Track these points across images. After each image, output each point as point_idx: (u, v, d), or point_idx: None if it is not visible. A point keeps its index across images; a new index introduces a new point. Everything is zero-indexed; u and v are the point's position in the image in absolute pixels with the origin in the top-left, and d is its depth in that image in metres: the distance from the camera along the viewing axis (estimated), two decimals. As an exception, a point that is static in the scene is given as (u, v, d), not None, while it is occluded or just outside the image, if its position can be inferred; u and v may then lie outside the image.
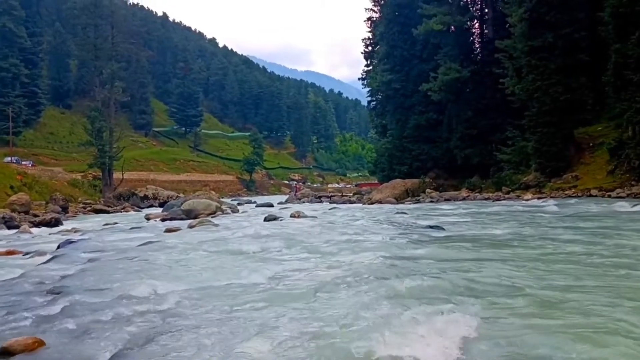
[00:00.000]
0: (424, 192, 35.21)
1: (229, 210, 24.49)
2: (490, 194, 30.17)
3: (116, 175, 56.92)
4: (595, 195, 23.28)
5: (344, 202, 38.27)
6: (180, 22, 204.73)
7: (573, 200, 21.48)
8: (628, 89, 22.99)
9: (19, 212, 22.23)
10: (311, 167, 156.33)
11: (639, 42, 21.97)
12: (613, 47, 23.78)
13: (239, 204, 37.56)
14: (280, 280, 5.74)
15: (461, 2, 41.61)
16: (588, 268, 5.83)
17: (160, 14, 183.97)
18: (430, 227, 11.68)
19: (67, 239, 11.23)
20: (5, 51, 76.07)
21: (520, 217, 14.63)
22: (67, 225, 19.50)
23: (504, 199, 27.15)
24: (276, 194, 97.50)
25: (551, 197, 25.09)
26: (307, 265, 6.73)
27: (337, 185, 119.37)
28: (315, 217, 17.57)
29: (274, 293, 5.04)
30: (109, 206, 36.06)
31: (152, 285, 5.54)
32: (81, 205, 35.65)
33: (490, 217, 15.18)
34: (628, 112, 23.15)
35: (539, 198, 25.05)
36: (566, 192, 25.45)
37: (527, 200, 24.68)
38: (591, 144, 29.65)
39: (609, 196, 22.31)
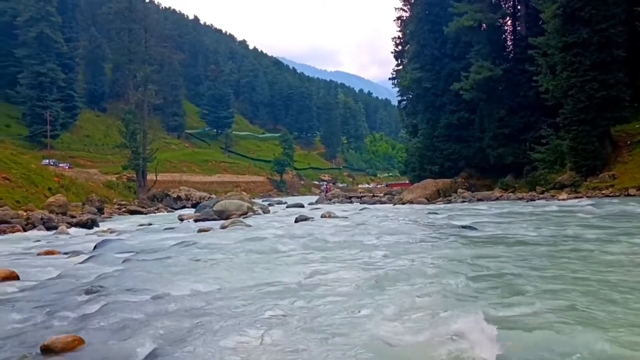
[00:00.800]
0: (455, 192, 34.82)
1: (260, 211, 24.67)
2: (524, 194, 29.62)
3: (150, 176, 57.93)
4: (634, 195, 22.65)
5: (374, 203, 38.13)
6: (211, 25, 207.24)
7: (610, 200, 20.95)
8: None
9: (57, 213, 22.81)
10: (341, 167, 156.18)
11: (679, 36, 21.36)
12: (651, 42, 23.16)
13: (269, 204, 37.80)
14: (315, 280, 5.75)
15: (493, 0, 41.04)
16: (629, 271, 5.69)
17: (191, 17, 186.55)
18: (463, 227, 11.55)
19: (103, 240, 11.48)
20: (43, 56, 78.06)
21: (555, 217, 14.34)
22: (103, 226, 19.94)
23: (539, 199, 26.63)
24: (306, 195, 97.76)
25: (587, 196, 24.50)
26: (340, 266, 6.73)
27: (367, 185, 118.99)
28: (346, 217, 17.55)
29: (310, 294, 5.05)
30: (143, 207, 36.69)
31: (186, 284, 5.62)
32: (116, 206, 36.39)
33: (524, 217, 14.92)
34: (668, 109, 22.52)
35: (574, 198, 24.50)
36: (603, 192, 24.82)
37: (563, 200, 24.16)
38: (629, 142, 28.87)
39: (649, 195, 21.73)
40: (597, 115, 27.53)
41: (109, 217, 28.61)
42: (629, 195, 22.98)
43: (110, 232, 15.39)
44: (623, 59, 27.30)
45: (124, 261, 7.95)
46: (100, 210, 29.66)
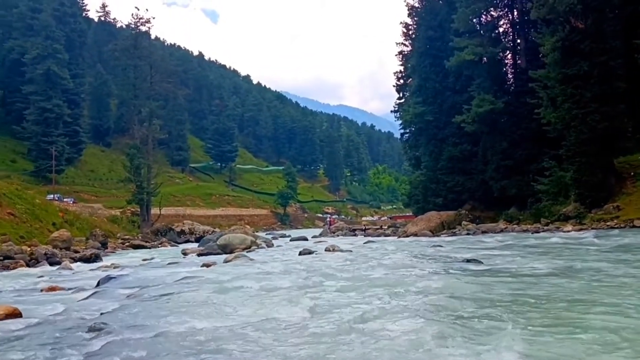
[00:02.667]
0: (460, 224, 34.67)
1: (264, 245, 24.61)
2: (529, 226, 29.47)
3: (154, 210, 57.96)
4: (639, 226, 22.53)
5: (378, 236, 38.00)
6: (216, 60, 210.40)
7: (615, 232, 20.84)
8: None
9: (61, 248, 22.84)
10: (345, 200, 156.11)
11: (679, 68, 21.55)
12: (651, 74, 23.35)
13: (273, 237, 37.71)
14: (320, 315, 5.71)
15: (493, 34, 41.54)
16: (636, 304, 5.64)
17: (196, 53, 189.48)
18: (468, 260, 11.48)
19: (107, 275, 11.44)
20: (49, 93, 79.13)
21: (561, 250, 14.25)
22: (107, 260, 19.90)
23: (543, 231, 26.47)
24: (310, 228, 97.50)
25: (592, 228, 24.34)
26: (344, 301, 6.68)
27: (371, 218, 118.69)
28: (351, 251, 17.48)
29: (315, 329, 5.02)
30: (146, 241, 36.66)
31: (190, 321, 5.59)
32: (120, 240, 36.35)
33: (530, 250, 14.84)
34: (670, 140, 22.56)
35: (579, 230, 24.35)
36: (608, 223, 24.67)
37: (568, 232, 24.02)
38: (632, 173, 28.82)
39: (654, 227, 21.59)
40: (600, 147, 27.53)
41: (113, 252, 28.57)
42: (634, 226, 22.83)
43: (114, 267, 15.36)
44: (623, 90, 27.49)
45: (127, 297, 7.92)
46: (104, 245, 29.67)
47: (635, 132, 28.53)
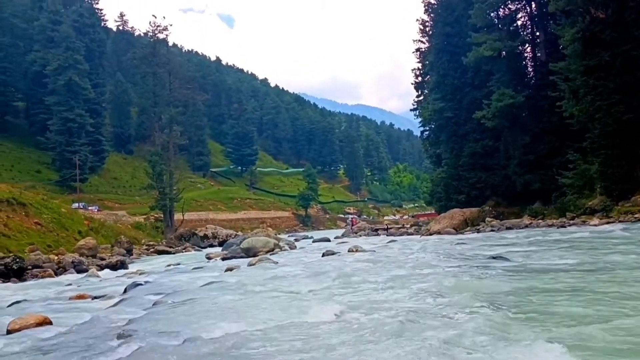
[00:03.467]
0: (483, 221, 34.30)
1: (286, 247, 24.64)
2: (554, 220, 29.00)
3: (177, 216, 58.48)
4: (668, 217, 22.05)
5: (401, 235, 37.78)
6: (233, 65, 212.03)
7: (644, 224, 20.40)
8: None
9: (87, 256, 23.16)
10: (366, 199, 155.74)
11: None
12: (676, 63, 22.82)
13: (295, 239, 37.76)
14: (350, 318, 5.67)
15: (511, 27, 41.08)
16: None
17: (213, 58, 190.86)
18: (494, 257, 11.33)
19: (133, 282, 11.55)
20: (71, 103, 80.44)
21: (588, 244, 14.00)
22: (132, 267, 20.12)
23: (569, 225, 26.03)
24: (332, 228, 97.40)
25: (620, 221, 23.85)
26: (373, 302, 6.63)
27: (393, 217, 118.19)
28: (374, 251, 17.39)
29: (346, 332, 4.98)
30: (170, 247, 36.99)
31: (218, 326, 5.59)
32: (144, 247, 36.75)
33: (556, 245, 14.59)
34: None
35: (606, 223, 23.89)
36: (636, 216, 24.11)
37: (595, 225, 23.58)
38: (660, 164, 28.20)
39: (684, 218, 21.09)
40: (626, 138, 27.00)
41: (138, 258, 28.88)
42: (663, 218, 22.36)
43: (140, 274, 15.50)
44: (648, 80, 26.92)
45: (154, 304, 7.96)
46: (129, 252, 30.01)
47: (661, 121, 27.90)
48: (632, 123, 26.70)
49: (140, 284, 11.09)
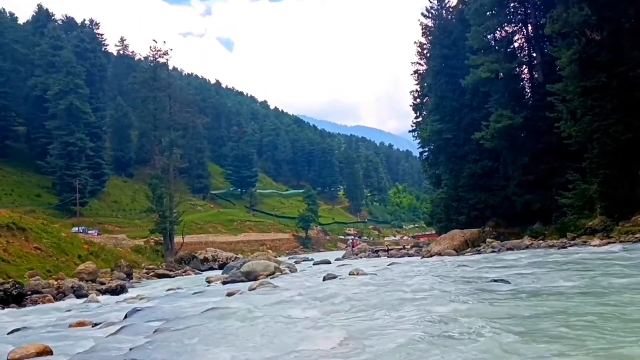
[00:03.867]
0: (484, 241, 34.24)
1: (287, 270, 24.55)
2: (555, 241, 28.94)
3: (177, 239, 58.32)
4: (669, 237, 22.02)
5: (402, 256, 37.69)
6: (233, 87, 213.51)
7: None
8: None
9: (87, 281, 23.08)
10: (366, 220, 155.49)
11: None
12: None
13: (296, 262, 37.65)
14: (353, 345, 5.65)
15: (508, 49, 41.46)
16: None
17: (213, 81, 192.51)
18: (495, 280, 11.30)
19: (134, 308, 11.47)
20: (72, 127, 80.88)
21: (589, 265, 13.96)
22: (132, 291, 20.04)
23: (570, 246, 25.96)
24: (332, 250, 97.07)
25: (620, 241, 23.82)
26: (375, 327, 6.61)
27: (393, 238, 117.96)
28: (375, 274, 17.32)
29: (345, 358, 4.97)
30: (170, 270, 36.84)
31: (221, 355, 5.58)
32: (144, 270, 36.60)
33: (557, 266, 14.56)
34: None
35: (607, 243, 23.85)
36: (636, 236, 24.05)
37: (595, 246, 23.55)
38: (659, 184, 28.25)
39: (685, 238, 21.07)
40: (625, 158, 27.11)
41: (138, 282, 28.75)
42: (664, 238, 22.33)
43: (140, 299, 15.42)
44: (645, 100, 27.12)
45: (155, 331, 7.92)
46: (129, 276, 29.89)
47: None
48: (631, 143, 26.84)
49: (140, 310, 11.02)
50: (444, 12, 49.81)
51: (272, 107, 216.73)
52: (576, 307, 7.08)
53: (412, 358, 4.71)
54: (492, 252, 29.40)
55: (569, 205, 31.90)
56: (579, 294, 8.50)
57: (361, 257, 42.11)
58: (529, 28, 41.11)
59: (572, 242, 27.34)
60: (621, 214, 27.18)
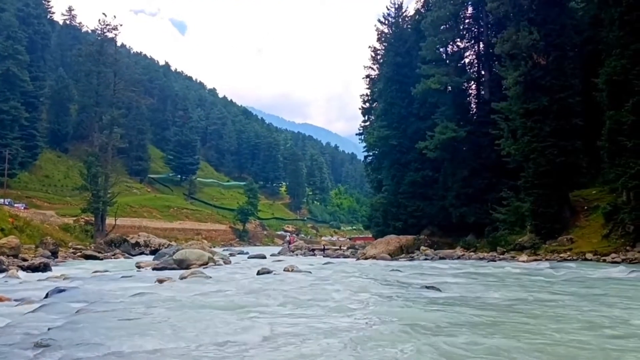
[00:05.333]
0: (418, 249, 34.98)
1: (221, 262, 24.18)
2: (485, 254, 29.96)
3: (109, 220, 56.42)
4: (590, 259, 23.15)
5: (337, 257, 37.97)
6: (182, 71, 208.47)
7: (568, 264, 21.35)
8: (622, 155, 23.22)
9: (8, 255, 21.90)
10: (305, 218, 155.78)
11: (633, 109, 22.36)
12: (607, 114, 24.18)
13: (231, 254, 37.22)
14: (276, 340, 5.57)
15: (459, 64, 42.52)
16: (584, 338, 5.72)
17: (162, 63, 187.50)
18: (426, 287, 11.50)
19: (56, 287, 10.97)
20: (7, 94, 76.66)
21: (515, 280, 14.48)
22: (57, 270, 19.19)
23: (499, 260, 26.96)
24: (269, 245, 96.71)
25: (546, 259, 24.94)
26: (301, 325, 6.56)
27: (330, 238, 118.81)
28: (309, 272, 17.33)
29: (269, 355, 4.87)
30: (99, 252, 35.66)
31: (142, 341, 5.37)
32: (71, 250, 35.21)
33: (485, 278, 15.01)
34: (622, 178, 23.30)
35: (534, 260, 24.90)
36: (561, 255, 25.29)
37: (523, 262, 24.50)
38: (586, 207, 29.70)
39: (604, 260, 22.22)
40: (557, 180, 28.33)
41: (63, 262, 27.63)
42: (585, 259, 23.47)
43: (64, 279, 14.80)
44: (580, 127, 28.45)
45: (77, 312, 7.59)
46: (55, 254, 28.65)
47: (590, 167, 29.48)
48: (564, 166, 28.11)
49: (64, 290, 10.56)
50: (400, 20, 50.51)
51: (220, 95, 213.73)
52: (496, 317, 7.31)
53: (328, 357, 4.69)
54: (425, 259, 30.08)
55: (502, 220, 33.02)
56: (504, 305, 8.76)
57: (297, 255, 42.16)
58: (481, 46, 42.30)
59: (501, 256, 28.37)
60: (549, 232, 28.39)
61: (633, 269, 15.94)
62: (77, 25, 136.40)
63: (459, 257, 30.57)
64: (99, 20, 61.07)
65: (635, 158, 22.35)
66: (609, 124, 23.91)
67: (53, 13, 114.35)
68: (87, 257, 32.01)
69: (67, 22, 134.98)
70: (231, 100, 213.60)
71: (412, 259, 31.18)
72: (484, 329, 6.38)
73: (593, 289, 11.46)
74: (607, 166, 25.89)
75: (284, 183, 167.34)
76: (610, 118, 23.75)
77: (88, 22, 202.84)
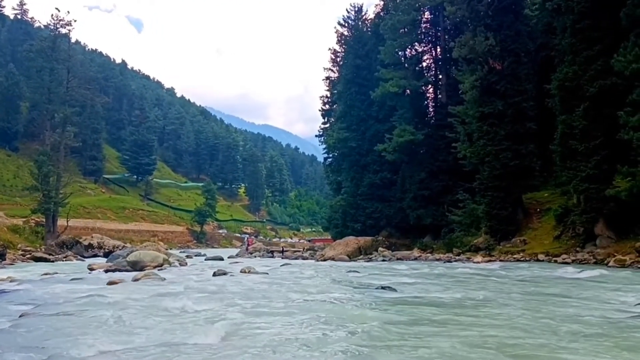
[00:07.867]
0: (376, 250, 35.20)
1: (177, 263, 23.76)
2: (442, 255, 30.42)
3: (61, 222, 54.68)
4: (542, 260, 23.80)
5: (296, 258, 37.83)
6: (139, 70, 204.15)
7: (521, 265, 21.87)
8: (573, 158, 23.90)
9: (-49, 258, 20.97)
10: (264, 220, 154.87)
11: (584, 114, 23.06)
12: (559, 118, 24.87)
13: (187, 256, 36.61)
14: (230, 342, 5.45)
15: (417, 68, 43.12)
16: (532, 334, 5.81)
17: (118, 61, 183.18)
18: (383, 287, 11.54)
19: (1, 289, 10.52)
20: (-48, 90, 73.73)
21: (469, 280, 14.71)
22: (3, 273, 18.42)
23: (455, 261, 27.41)
24: (227, 247, 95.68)
25: (500, 260, 25.49)
26: (255, 325, 6.46)
27: (290, 240, 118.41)
28: (267, 273, 17.20)
29: (227, 356, 4.75)
30: (50, 254, 34.59)
31: (90, 343, 5.18)
32: (20, 252, 34.05)
33: (441, 279, 15.21)
34: (573, 181, 23.98)
35: (488, 261, 25.40)
36: (515, 256, 25.90)
37: (477, 263, 24.95)
38: (538, 210, 30.53)
39: (555, 261, 22.86)
40: (511, 183, 29.04)
41: (11, 264, 26.65)
42: (537, 260, 24.11)
43: (10, 281, 14.21)
44: (534, 131, 29.23)
45: (21, 315, 7.28)
46: (2, 256, 27.65)
47: (542, 170, 30.30)
48: (518, 169, 28.82)
49: (9, 292, 10.15)
50: (360, 23, 50.88)
51: (178, 95, 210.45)
52: (448, 316, 7.38)
53: (283, 357, 4.62)
54: (383, 260, 30.32)
55: (458, 222, 33.60)
56: (456, 305, 8.88)
57: (255, 257, 41.78)
58: (438, 50, 43.01)
59: (457, 257, 28.86)
60: (503, 234, 29.06)
61: (582, 269, 16.44)
62: (29, 20, 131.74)
63: (416, 258, 30.93)
64: (52, 15, 58.94)
65: (586, 162, 23.03)
66: (561, 128, 24.57)
67: (3, 7, 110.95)
68: (37, 260, 30.99)
69: (18, 16, 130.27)
70: (189, 100, 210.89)
71: (370, 260, 31.37)
72: (435, 326, 6.43)
73: (543, 288, 11.74)
74: (559, 169, 26.60)
75: (242, 184, 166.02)
76: (562, 122, 24.41)
77: (40, 17, 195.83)
